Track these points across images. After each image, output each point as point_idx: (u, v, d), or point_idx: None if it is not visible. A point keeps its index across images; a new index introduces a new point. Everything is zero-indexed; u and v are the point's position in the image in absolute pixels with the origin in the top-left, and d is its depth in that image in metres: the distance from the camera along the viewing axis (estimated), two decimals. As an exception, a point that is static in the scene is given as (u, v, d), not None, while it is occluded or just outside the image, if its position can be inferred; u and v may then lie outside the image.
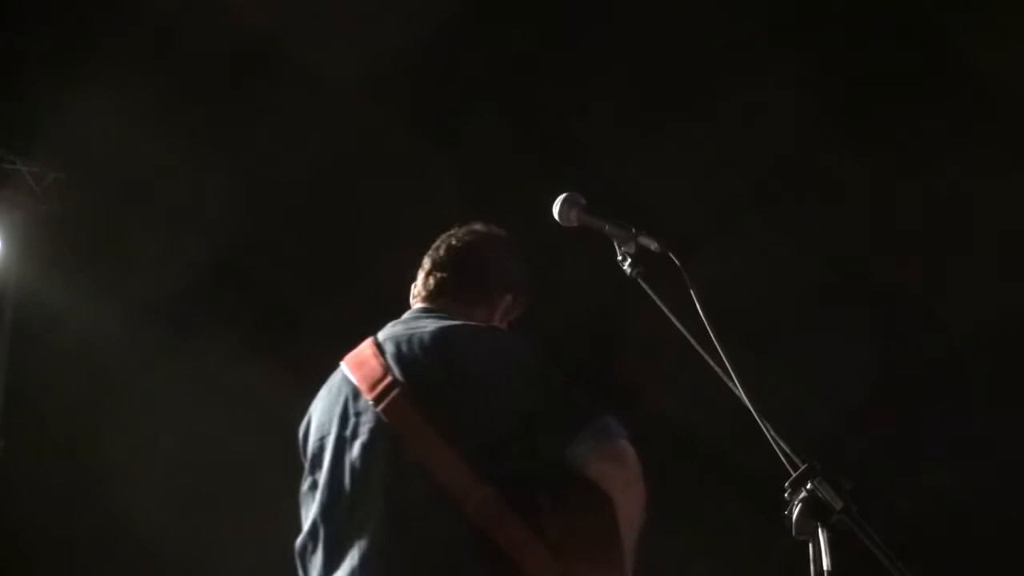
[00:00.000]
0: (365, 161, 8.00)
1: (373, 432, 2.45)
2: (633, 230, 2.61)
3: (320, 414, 2.62)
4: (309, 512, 2.53)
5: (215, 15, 7.24)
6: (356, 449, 2.46)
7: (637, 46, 7.68)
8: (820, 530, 2.11)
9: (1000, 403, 7.43)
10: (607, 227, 2.65)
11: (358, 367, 2.55)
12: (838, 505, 2.10)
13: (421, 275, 2.82)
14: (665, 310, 2.46)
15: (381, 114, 7.76)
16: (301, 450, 2.66)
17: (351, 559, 2.38)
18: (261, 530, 7.90)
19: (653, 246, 2.58)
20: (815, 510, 2.12)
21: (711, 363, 2.36)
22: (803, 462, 2.19)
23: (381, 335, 2.61)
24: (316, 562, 2.47)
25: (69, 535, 8.03)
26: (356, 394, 2.52)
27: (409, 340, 2.52)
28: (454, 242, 2.83)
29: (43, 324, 8.17)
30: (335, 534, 2.44)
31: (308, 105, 7.73)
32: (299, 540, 2.55)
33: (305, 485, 2.59)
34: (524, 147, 7.94)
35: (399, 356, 2.49)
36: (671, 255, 2.52)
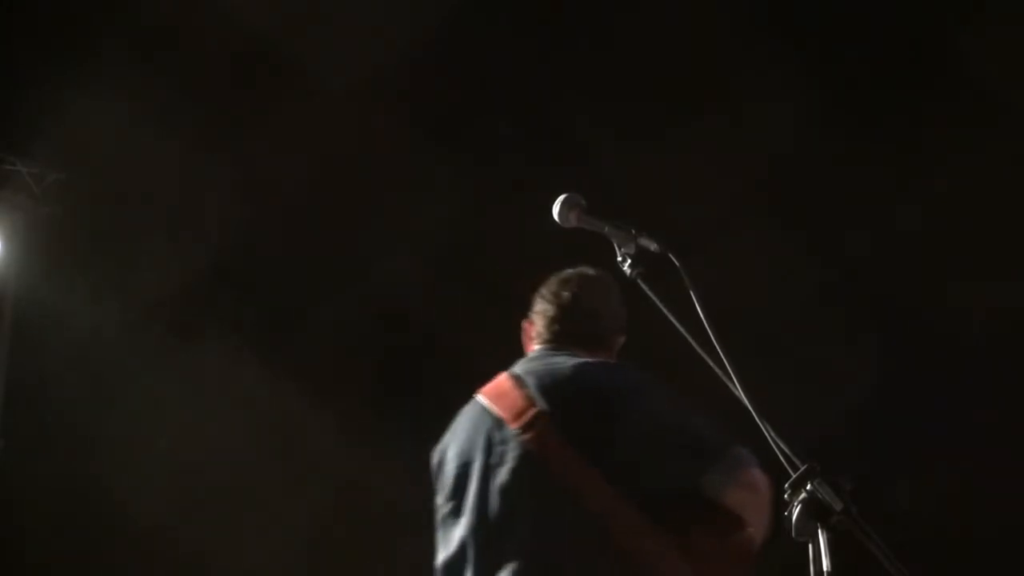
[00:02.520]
0: (365, 161, 8.00)
1: (520, 459, 2.64)
2: (633, 231, 2.61)
3: (460, 443, 2.81)
4: (453, 534, 2.73)
5: (215, 15, 7.24)
6: (503, 475, 2.66)
7: (637, 46, 7.68)
8: (820, 531, 2.11)
9: (1000, 403, 7.43)
10: (607, 228, 2.66)
11: (498, 398, 2.76)
12: (838, 506, 2.10)
13: (541, 320, 2.94)
14: (665, 311, 2.47)
15: (381, 114, 7.76)
16: (435, 477, 2.87)
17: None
18: (261, 530, 7.92)
19: (653, 247, 2.58)
20: (815, 511, 2.12)
21: (711, 364, 2.36)
22: (803, 463, 2.19)
23: (518, 370, 2.81)
24: None
25: (69, 534, 8.03)
26: (500, 424, 2.71)
27: (551, 374, 2.73)
28: (569, 294, 2.92)
29: (43, 324, 8.17)
30: (485, 554, 2.65)
31: (308, 105, 7.74)
32: (445, 559, 2.74)
33: (446, 509, 2.79)
34: (524, 147, 7.94)
35: (543, 388, 2.68)
36: (671, 256, 2.53)
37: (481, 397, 2.82)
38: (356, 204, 8.15)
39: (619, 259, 2.63)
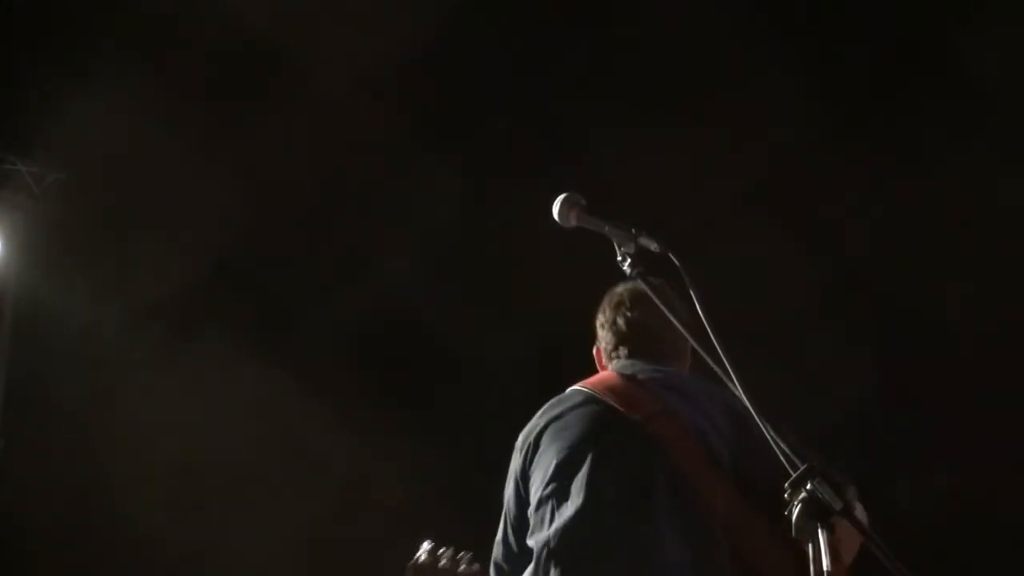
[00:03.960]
0: (365, 161, 8.00)
1: (643, 448, 2.67)
2: (633, 230, 2.61)
3: (565, 427, 2.81)
4: (555, 515, 2.72)
5: (215, 15, 7.25)
6: (622, 462, 2.69)
7: (637, 46, 7.69)
8: (820, 531, 2.11)
9: (1000, 403, 7.44)
10: (607, 227, 2.66)
11: (610, 392, 2.79)
12: (838, 505, 2.10)
13: (634, 333, 2.97)
14: (665, 311, 2.47)
15: (381, 114, 7.77)
16: (527, 459, 2.85)
17: (630, 559, 2.60)
18: (261, 530, 7.92)
19: (653, 246, 2.58)
20: (815, 510, 2.12)
21: (711, 363, 2.36)
22: (803, 462, 2.19)
23: (627, 371, 2.85)
24: (584, 557, 2.66)
25: (69, 535, 8.04)
26: (615, 413, 2.74)
27: (667, 376, 2.80)
28: (641, 317, 2.95)
29: (43, 324, 8.17)
30: (594, 539, 2.65)
31: (308, 105, 7.74)
32: (548, 536, 2.71)
33: (548, 489, 2.76)
34: (524, 147, 7.94)
35: (663, 385, 2.76)
36: (671, 255, 2.53)
37: (585, 387, 2.85)
38: (356, 204, 8.16)
39: (619, 259, 2.62)
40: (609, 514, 2.67)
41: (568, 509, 2.71)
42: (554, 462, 2.78)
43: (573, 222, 2.73)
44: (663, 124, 7.54)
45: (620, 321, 2.96)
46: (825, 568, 2.10)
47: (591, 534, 2.67)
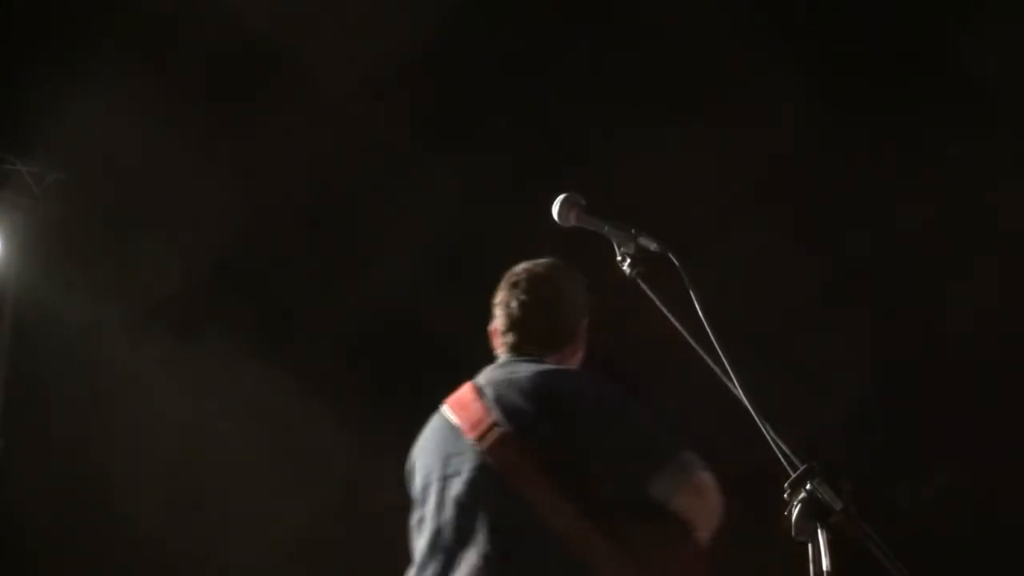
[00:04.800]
0: (365, 161, 8.00)
1: (476, 470, 2.65)
2: (632, 230, 2.62)
3: (425, 454, 2.84)
4: (419, 543, 2.75)
5: (215, 16, 7.24)
6: (459, 485, 2.67)
7: (637, 46, 7.68)
8: (819, 531, 2.11)
9: (1000, 403, 7.43)
10: (606, 228, 2.66)
11: (459, 408, 2.76)
12: (837, 506, 2.10)
13: (500, 328, 2.92)
14: (664, 311, 2.47)
15: (381, 114, 7.76)
16: (408, 486, 2.88)
17: None
18: (261, 530, 7.92)
19: (652, 246, 2.59)
20: (815, 511, 2.12)
21: (711, 363, 2.36)
22: (802, 463, 2.19)
23: (480, 380, 2.81)
24: None
25: (69, 535, 8.03)
26: (458, 434, 2.72)
27: (508, 383, 2.72)
28: (524, 297, 2.89)
29: (43, 324, 8.16)
30: (444, 563, 2.66)
31: (308, 105, 7.73)
32: (412, 572, 2.76)
33: (414, 519, 2.80)
34: (524, 147, 7.94)
35: (499, 398, 2.69)
36: (670, 255, 2.53)
37: (445, 407, 2.82)
38: (356, 204, 8.15)
39: (619, 259, 2.63)
40: (443, 551, 2.68)
41: (420, 543, 2.74)
42: (417, 488, 2.81)
43: (573, 222, 2.73)
44: (663, 124, 7.54)
45: (513, 304, 2.89)
46: (825, 568, 2.10)
47: (431, 571, 2.69)
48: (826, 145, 7.55)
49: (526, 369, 2.76)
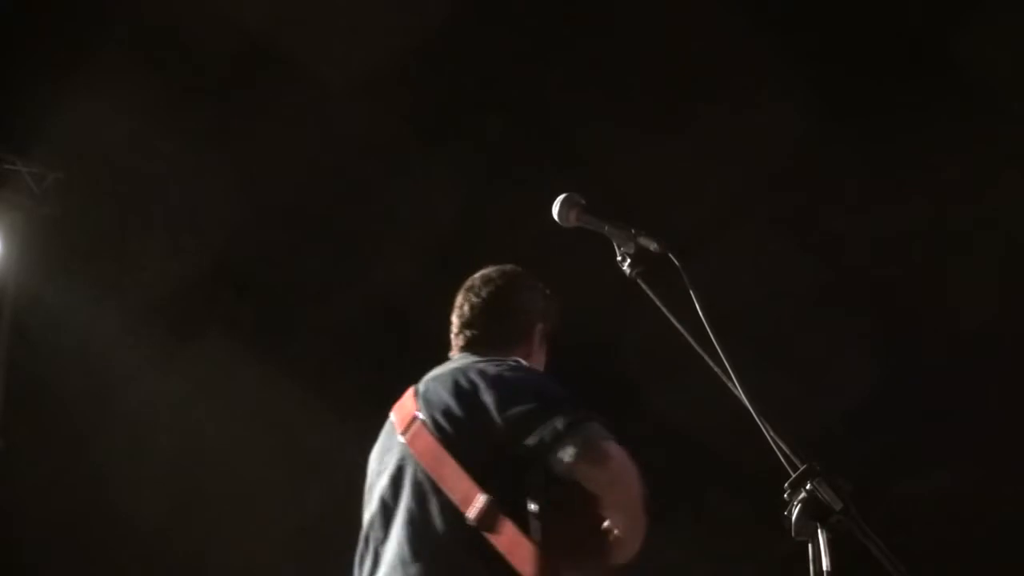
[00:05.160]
0: (365, 161, 8.00)
1: (398, 463, 2.75)
2: (632, 230, 2.62)
3: (372, 457, 2.96)
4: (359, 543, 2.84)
5: (215, 15, 7.24)
6: (385, 479, 2.77)
7: (637, 46, 7.68)
8: (819, 531, 2.11)
9: (1000, 404, 7.43)
10: (607, 227, 2.66)
11: (398, 409, 2.85)
12: (837, 506, 2.10)
13: (453, 331, 3.01)
14: (664, 311, 2.47)
15: (381, 114, 7.76)
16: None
17: (382, 569, 2.68)
18: (261, 530, 7.92)
19: (652, 246, 2.59)
20: (814, 511, 2.12)
21: (711, 363, 2.36)
22: (802, 462, 2.19)
23: (423, 379, 2.88)
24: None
25: (69, 535, 8.03)
26: (392, 432, 2.83)
27: (436, 378, 2.81)
28: (475, 299, 2.99)
29: (43, 324, 8.16)
30: (374, 552, 2.75)
31: (308, 105, 7.74)
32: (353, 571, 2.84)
33: (364, 513, 2.89)
34: (524, 147, 7.94)
35: (425, 395, 2.77)
36: (671, 255, 2.53)
37: (392, 410, 2.90)
38: (355, 204, 8.15)
39: (619, 259, 2.63)
40: (372, 546, 2.75)
41: (359, 542, 2.82)
42: (365, 490, 2.90)
43: (573, 222, 2.74)
44: (663, 124, 7.54)
45: (465, 307, 2.98)
46: (825, 568, 2.10)
47: (365, 568, 2.76)
48: (826, 145, 7.55)
49: (457, 363, 2.84)
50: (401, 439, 2.75)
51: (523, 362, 2.83)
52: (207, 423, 8.04)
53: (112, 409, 8.13)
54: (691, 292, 2.43)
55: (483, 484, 2.54)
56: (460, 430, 2.63)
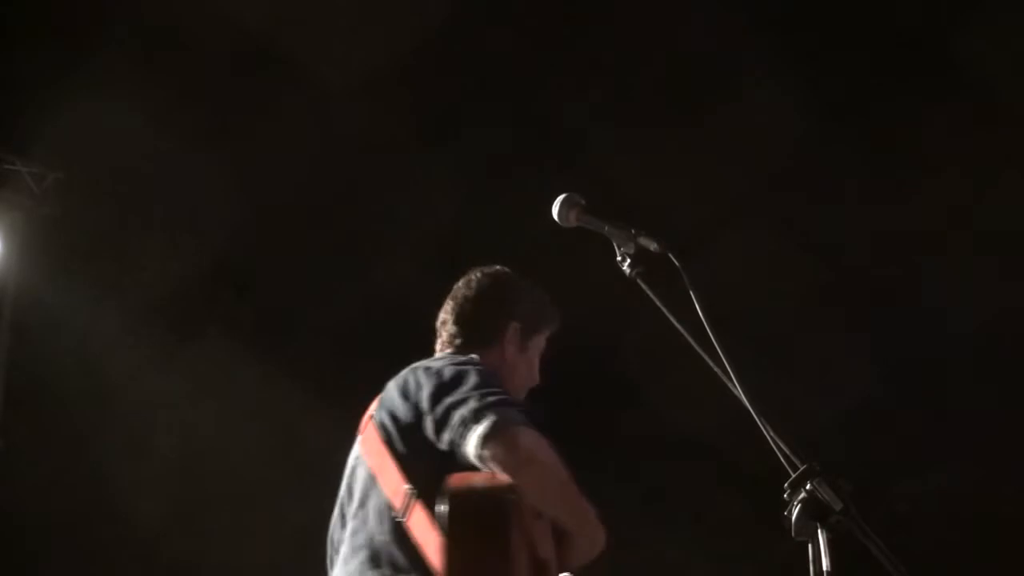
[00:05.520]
0: (365, 161, 8.00)
1: (354, 463, 2.83)
2: (632, 231, 2.62)
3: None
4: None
5: (215, 15, 7.24)
6: (344, 480, 2.87)
7: (637, 46, 7.69)
8: (819, 531, 2.11)
9: (1000, 404, 7.43)
10: (607, 228, 2.67)
11: (366, 411, 2.89)
12: (837, 506, 2.10)
13: (438, 331, 3.09)
14: (664, 311, 2.47)
15: (381, 114, 7.76)
16: None
17: (336, 569, 2.77)
18: (261, 530, 7.92)
19: (652, 247, 2.59)
20: (814, 511, 2.12)
21: (711, 363, 2.36)
22: (802, 462, 2.19)
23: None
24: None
25: (69, 535, 8.03)
26: (357, 433, 2.87)
27: (394, 379, 2.84)
28: (452, 300, 3.07)
29: (43, 324, 8.16)
30: (335, 553, 2.84)
31: (308, 105, 7.74)
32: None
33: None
34: (524, 147, 7.94)
35: (382, 395, 2.82)
36: (670, 255, 2.53)
37: None
38: (355, 204, 8.16)
39: (619, 259, 2.63)
40: (335, 547, 2.84)
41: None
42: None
43: (573, 222, 2.74)
44: (663, 124, 7.54)
45: (445, 307, 3.06)
46: (825, 568, 2.10)
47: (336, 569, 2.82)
48: (826, 145, 7.55)
49: (418, 362, 2.87)
50: (358, 440, 2.81)
51: (475, 358, 2.84)
52: (207, 423, 8.04)
53: (112, 409, 8.13)
54: (691, 292, 2.43)
55: (409, 478, 2.59)
56: (399, 428, 2.67)
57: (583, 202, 2.74)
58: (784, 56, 7.24)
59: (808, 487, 2.14)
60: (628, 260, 2.61)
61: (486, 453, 2.48)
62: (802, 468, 2.17)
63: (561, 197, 2.76)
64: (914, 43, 7.54)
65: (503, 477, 2.48)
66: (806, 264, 7.53)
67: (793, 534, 2.14)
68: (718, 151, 7.58)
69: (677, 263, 2.50)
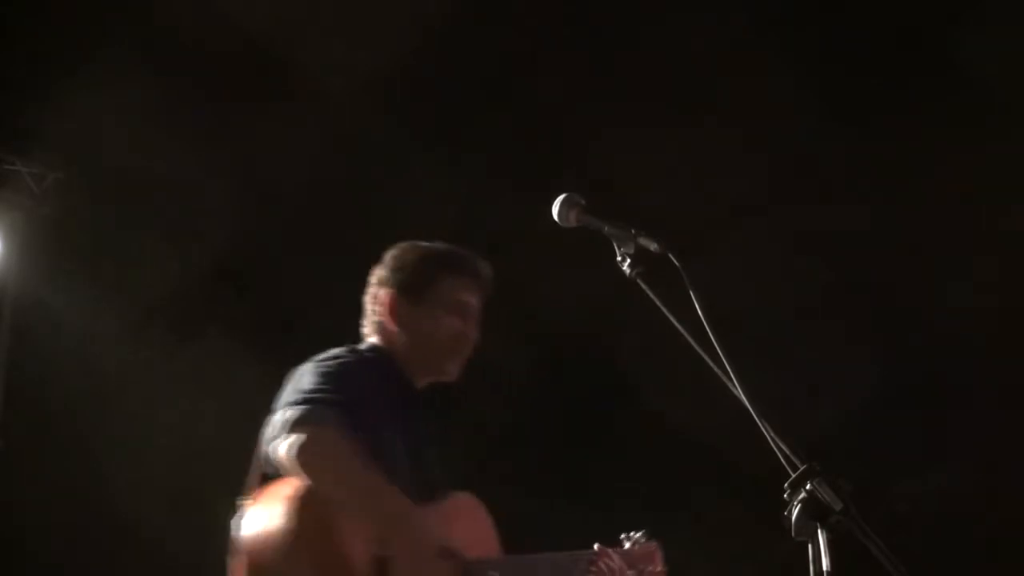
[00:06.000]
0: (365, 161, 8.00)
1: None
2: (632, 231, 2.62)
3: None
4: None
5: (216, 15, 7.24)
6: None
7: (637, 46, 7.68)
8: (819, 531, 2.11)
9: (1000, 404, 7.43)
10: (607, 228, 2.67)
11: None
12: (837, 506, 2.10)
13: None
14: (664, 311, 2.47)
15: (381, 114, 7.76)
16: None
17: None
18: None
19: (652, 247, 2.59)
20: (814, 511, 2.12)
21: (711, 364, 2.36)
22: (802, 463, 2.19)
23: None
24: None
25: (69, 535, 8.03)
26: None
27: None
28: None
29: (43, 325, 8.16)
30: None
31: (308, 106, 7.73)
32: None
33: None
34: (524, 147, 7.94)
35: None
36: (670, 256, 2.53)
37: None
38: (355, 204, 8.15)
39: (619, 259, 2.63)
40: None
41: None
42: None
43: (573, 222, 2.74)
44: (663, 124, 7.54)
45: None
46: (825, 568, 2.10)
47: None
48: (826, 145, 7.55)
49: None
50: None
51: (339, 351, 2.98)
52: (207, 423, 8.03)
53: (112, 409, 8.13)
54: (691, 292, 2.43)
55: (249, 488, 2.79)
56: (264, 431, 2.80)
57: (583, 202, 2.74)
58: (784, 56, 7.24)
59: (808, 487, 2.14)
60: (628, 260, 2.61)
61: (278, 460, 2.67)
62: (802, 468, 2.17)
63: (561, 197, 2.76)
64: (915, 43, 7.54)
65: (297, 482, 2.60)
66: (806, 264, 7.53)
67: (793, 534, 2.14)
68: (718, 151, 7.58)
69: (677, 263, 2.50)
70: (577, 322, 7.28)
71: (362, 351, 3.07)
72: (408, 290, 3.11)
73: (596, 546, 2.91)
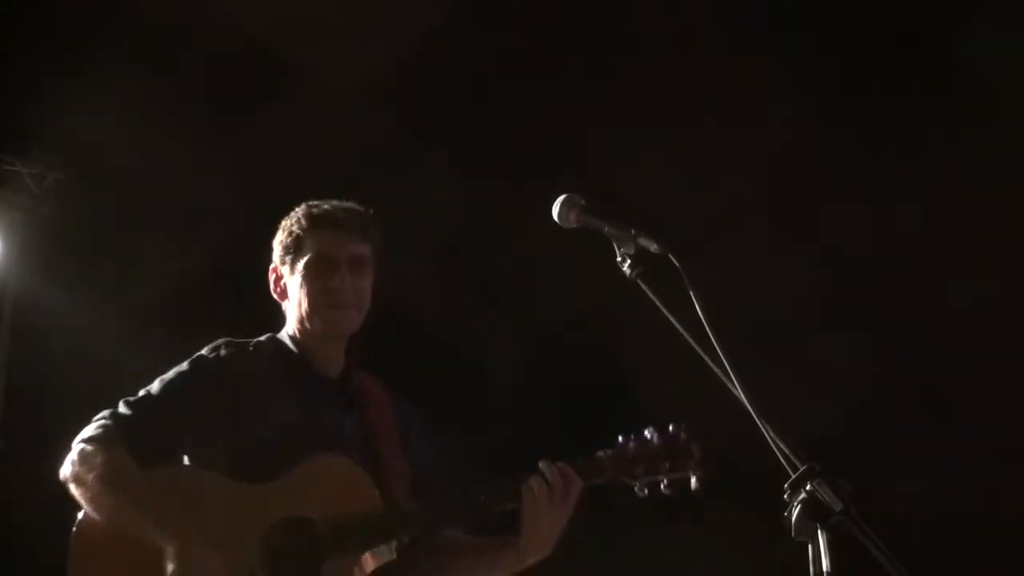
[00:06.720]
0: (365, 161, 8.00)
1: None
2: (633, 231, 2.62)
3: None
4: None
5: (215, 15, 7.24)
6: None
7: (637, 46, 7.68)
8: (819, 531, 2.11)
9: (1000, 404, 7.43)
10: (607, 228, 2.66)
11: None
12: (838, 506, 2.10)
13: None
14: (665, 311, 2.47)
15: (381, 114, 7.76)
16: None
17: None
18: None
19: (653, 247, 2.58)
20: (815, 511, 2.12)
21: (711, 364, 2.36)
22: (802, 463, 2.19)
23: None
24: None
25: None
26: None
27: None
28: None
29: (43, 325, 8.16)
30: None
31: (309, 106, 7.73)
32: None
33: None
34: (524, 147, 7.94)
35: None
36: (671, 256, 2.53)
37: None
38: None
39: (619, 259, 2.63)
40: None
41: None
42: None
43: (573, 222, 2.73)
44: (664, 124, 7.54)
45: None
46: (825, 568, 2.10)
47: None
48: (826, 145, 7.55)
49: None
50: None
51: (203, 352, 3.25)
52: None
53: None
54: (691, 293, 2.43)
55: None
56: None
57: (583, 202, 2.74)
58: (784, 56, 7.24)
59: (808, 487, 2.14)
60: (628, 260, 2.60)
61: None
62: (802, 468, 2.17)
63: (561, 197, 2.76)
64: (915, 43, 7.54)
65: None
66: (806, 264, 7.53)
67: (793, 534, 2.14)
68: (718, 151, 7.58)
69: (677, 264, 2.50)
70: (577, 322, 7.28)
71: (239, 343, 3.34)
72: (284, 262, 3.24)
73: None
